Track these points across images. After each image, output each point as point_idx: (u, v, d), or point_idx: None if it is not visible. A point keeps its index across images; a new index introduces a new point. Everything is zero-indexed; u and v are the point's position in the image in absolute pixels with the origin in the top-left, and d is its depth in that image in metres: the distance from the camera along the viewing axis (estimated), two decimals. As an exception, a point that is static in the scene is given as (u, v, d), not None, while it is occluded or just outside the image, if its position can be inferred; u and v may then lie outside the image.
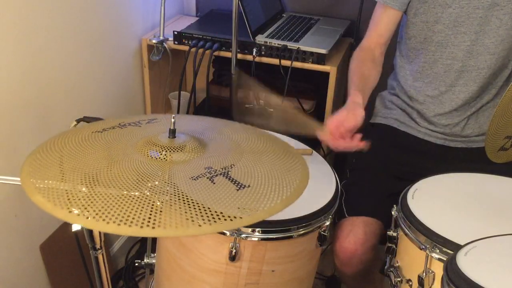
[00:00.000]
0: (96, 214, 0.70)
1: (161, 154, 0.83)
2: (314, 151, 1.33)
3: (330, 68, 1.70)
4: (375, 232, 1.26)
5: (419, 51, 1.41)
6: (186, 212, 0.73)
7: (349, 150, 1.18)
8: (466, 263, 0.85)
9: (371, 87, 1.39)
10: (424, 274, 1.01)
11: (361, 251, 1.23)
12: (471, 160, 1.38)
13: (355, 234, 1.24)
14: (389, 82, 1.57)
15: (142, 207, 0.72)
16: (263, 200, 0.79)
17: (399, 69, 1.49)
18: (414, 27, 1.40)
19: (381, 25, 1.43)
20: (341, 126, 1.16)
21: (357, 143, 1.17)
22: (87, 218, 0.70)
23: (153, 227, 0.70)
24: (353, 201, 1.30)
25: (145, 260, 1.34)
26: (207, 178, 0.78)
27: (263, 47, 1.73)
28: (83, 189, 0.74)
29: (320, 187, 1.17)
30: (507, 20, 1.29)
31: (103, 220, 0.70)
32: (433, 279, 1.02)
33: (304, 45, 1.70)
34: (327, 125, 1.17)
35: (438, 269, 1.00)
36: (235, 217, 0.74)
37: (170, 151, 0.84)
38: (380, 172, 1.38)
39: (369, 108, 1.58)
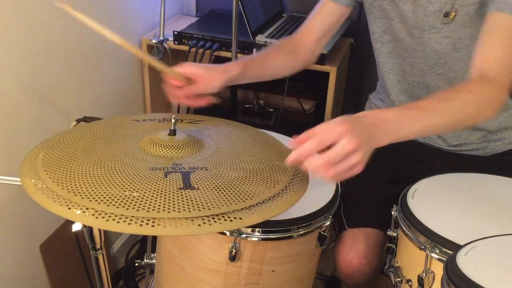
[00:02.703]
0: (100, 212, 0.71)
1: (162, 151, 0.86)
2: (314, 151, 1.33)
3: (330, 68, 1.70)
4: (377, 243, 1.24)
5: (378, 60, 1.34)
6: (185, 211, 0.74)
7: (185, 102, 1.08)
8: (466, 263, 0.85)
9: (267, 73, 1.25)
10: (424, 274, 1.01)
11: (365, 264, 1.21)
12: (470, 160, 1.37)
13: (357, 248, 1.22)
14: (377, 84, 1.52)
15: (144, 206, 0.72)
16: (265, 203, 0.80)
17: (380, 78, 1.42)
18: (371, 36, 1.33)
19: (317, 18, 1.30)
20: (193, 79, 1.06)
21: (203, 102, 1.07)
22: (93, 215, 0.71)
23: (150, 226, 0.70)
24: (352, 211, 1.28)
25: (145, 260, 1.34)
26: (163, 171, 0.80)
27: (263, 47, 1.73)
28: (87, 194, 0.75)
29: (320, 187, 1.17)
30: (446, 43, 1.19)
31: (110, 218, 0.70)
32: (433, 279, 1.02)
33: (304, 45, 1.70)
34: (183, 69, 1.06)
35: (438, 269, 0.99)
36: (241, 218, 0.74)
37: (168, 148, 0.86)
38: (375, 178, 1.34)
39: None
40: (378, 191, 1.32)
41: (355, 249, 1.22)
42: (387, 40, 1.28)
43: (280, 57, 1.27)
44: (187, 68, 1.04)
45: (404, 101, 1.33)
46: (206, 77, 1.05)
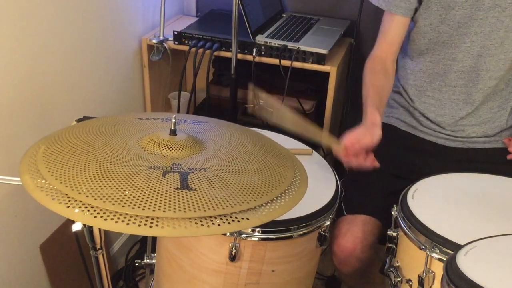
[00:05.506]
0: (99, 211, 0.71)
1: (161, 152, 0.86)
2: (314, 151, 1.34)
3: (330, 68, 1.70)
4: (373, 231, 1.26)
5: (423, 51, 1.41)
6: (185, 212, 0.74)
7: (361, 169, 1.19)
8: (466, 263, 0.85)
9: (386, 99, 1.40)
10: (424, 274, 1.02)
11: (359, 250, 1.23)
12: (471, 160, 1.38)
13: (353, 232, 1.23)
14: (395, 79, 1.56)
15: (140, 204, 0.72)
16: (265, 205, 0.80)
17: (401, 69, 1.49)
18: (418, 30, 1.39)
19: (390, 33, 1.41)
20: (357, 143, 1.16)
21: (370, 163, 1.19)
22: (95, 217, 0.71)
23: (155, 226, 0.70)
24: (352, 199, 1.30)
25: (145, 260, 1.34)
26: (162, 170, 0.80)
27: (263, 47, 1.73)
28: (84, 190, 0.75)
29: (320, 187, 1.17)
30: (508, 22, 1.28)
31: (108, 217, 0.70)
32: (433, 279, 1.02)
33: (304, 45, 1.70)
34: (343, 141, 1.17)
35: (438, 269, 1.00)
36: (243, 220, 0.75)
37: (168, 149, 0.86)
38: (379, 171, 1.37)
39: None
40: (381, 183, 1.34)
41: (350, 233, 1.23)
42: (442, 31, 1.35)
43: (383, 81, 1.40)
44: (349, 140, 1.16)
45: (442, 94, 1.41)
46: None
